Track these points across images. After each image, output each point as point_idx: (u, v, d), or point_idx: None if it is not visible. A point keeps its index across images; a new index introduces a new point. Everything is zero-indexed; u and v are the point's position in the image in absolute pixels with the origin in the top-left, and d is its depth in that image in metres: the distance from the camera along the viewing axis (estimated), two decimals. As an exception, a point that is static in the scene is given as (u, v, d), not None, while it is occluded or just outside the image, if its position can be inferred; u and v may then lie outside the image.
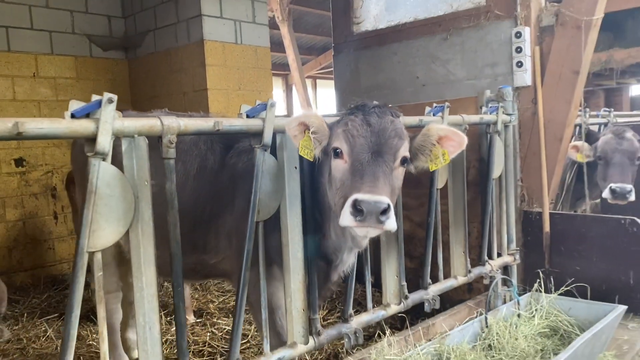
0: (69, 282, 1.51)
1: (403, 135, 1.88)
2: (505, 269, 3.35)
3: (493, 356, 2.56)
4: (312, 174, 2.11)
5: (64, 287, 4.53)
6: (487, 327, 2.82)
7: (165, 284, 4.13)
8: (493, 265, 3.08)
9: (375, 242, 2.55)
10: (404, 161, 1.91)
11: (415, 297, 2.55)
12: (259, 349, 3.18)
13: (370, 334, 3.13)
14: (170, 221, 1.67)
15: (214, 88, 4.49)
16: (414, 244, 4.22)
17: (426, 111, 2.76)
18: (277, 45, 15.14)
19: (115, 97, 1.50)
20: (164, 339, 3.24)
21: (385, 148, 1.80)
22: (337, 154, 1.85)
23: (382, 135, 1.81)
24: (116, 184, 1.51)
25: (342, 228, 1.94)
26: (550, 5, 4.37)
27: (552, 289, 3.30)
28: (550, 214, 4.19)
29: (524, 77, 4.25)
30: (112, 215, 1.51)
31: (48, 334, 3.52)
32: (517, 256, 3.39)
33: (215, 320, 3.65)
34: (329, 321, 3.57)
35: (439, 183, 2.73)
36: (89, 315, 3.87)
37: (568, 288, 3.36)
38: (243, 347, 3.24)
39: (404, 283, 2.48)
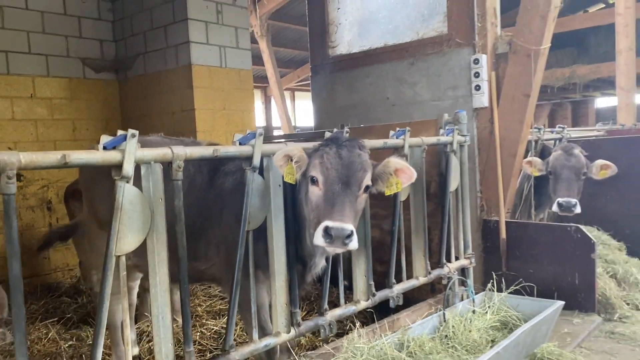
0: (101, 279, 1.84)
1: (367, 167, 2.32)
2: (463, 270, 3.79)
3: (448, 344, 2.98)
4: (292, 191, 2.52)
5: (59, 294, 4.82)
6: (444, 321, 3.25)
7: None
8: (451, 267, 3.52)
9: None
10: (367, 188, 2.35)
11: (381, 294, 2.97)
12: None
13: (344, 328, 3.53)
14: (178, 231, 2.06)
15: (200, 108, 4.88)
16: (384, 250, 4.61)
17: (390, 134, 3.19)
18: (256, 58, 15.56)
19: (137, 132, 1.88)
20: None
21: (353, 180, 2.24)
22: (314, 181, 2.27)
23: (351, 168, 2.25)
24: (137, 201, 1.90)
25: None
26: (505, 34, 4.85)
27: (504, 289, 3.74)
28: (506, 222, 4.66)
29: (482, 100, 4.72)
30: (134, 226, 1.89)
31: (50, 335, 3.82)
32: (473, 259, 3.82)
33: (203, 321, 4.01)
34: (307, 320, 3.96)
35: (402, 196, 3.16)
36: (86, 320, 4.20)
37: (517, 287, 3.80)
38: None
39: (372, 282, 2.90)
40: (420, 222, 3.32)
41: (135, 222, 1.89)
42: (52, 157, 1.69)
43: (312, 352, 2.62)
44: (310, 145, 2.42)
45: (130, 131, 1.87)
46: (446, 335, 3.12)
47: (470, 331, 3.19)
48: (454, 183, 3.59)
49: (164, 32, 5.05)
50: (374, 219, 3.90)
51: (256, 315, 2.36)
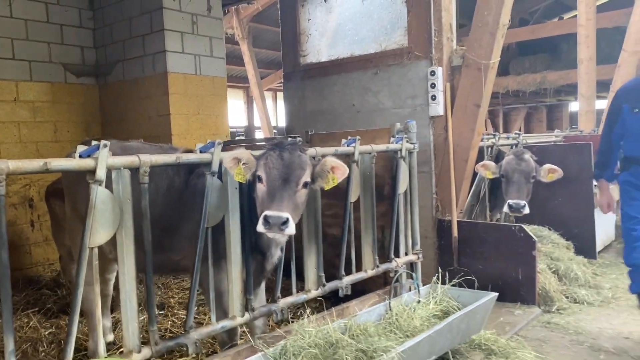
0: (77, 267, 2.17)
1: (306, 166, 2.68)
2: (412, 265, 4.17)
3: (390, 330, 3.35)
4: (249, 192, 2.87)
5: (40, 286, 5.11)
6: (390, 310, 3.62)
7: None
8: (399, 262, 3.89)
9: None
10: (305, 185, 2.70)
11: (331, 285, 3.33)
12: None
13: (298, 315, 3.88)
14: (144, 227, 2.39)
15: (175, 113, 5.20)
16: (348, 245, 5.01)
17: (342, 142, 3.55)
18: (239, 59, 15.88)
19: (108, 143, 2.21)
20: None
21: (292, 177, 2.60)
22: (260, 179, 2.63)
23: (290, 167, 2.61)
24: (108, 201, 2.23)
25: None
26: (460, 48, 5.24)
27: (447, 282, 4.12)
28: (458, 221, 5.05)
29: (437, 109, 5.11)
30: (105, 222, 2.23)
31: (31, 324, 4.12)
32: (421, 255, 4.19)
33: (175, 311, 4.34)
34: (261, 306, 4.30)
35: (352, 197, 3.53)
36: (65, 310, 4.50)
37: (460, 281, 4.17)
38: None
39: (322, 274, 3.26)
40: (369, 221, 3.69)
41: (107, 219, 2.22)
42: (35, 164, 2.02)
43: (266, 334, 2.97)
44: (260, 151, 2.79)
45: (103, 142, 2.20)
46: (390, 323, 3.49)
47: (413, 319, 3.55)
48: (402, 186, 3.96)
49: (142, 41, 5.37)
50: (335, 218, 4.27)
51: (214, 301, 2.71)
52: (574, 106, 23.39)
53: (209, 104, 5.54)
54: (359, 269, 3.65)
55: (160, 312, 4.39)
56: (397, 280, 3.87)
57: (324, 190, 3.07)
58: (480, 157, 5.76)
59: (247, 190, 2.84)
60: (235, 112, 20.89)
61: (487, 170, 5.47)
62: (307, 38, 6.28)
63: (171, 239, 3.05)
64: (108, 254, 3.09)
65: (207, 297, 2.88)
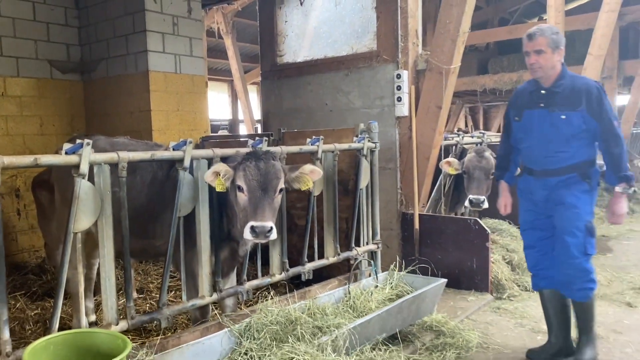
0: (62, 250, 2.49)
1: (280, 174, 3.05)
2: (373, 254, 4.54)
3: (346, 311, 3.72)
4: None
5: (25, 272, 5.40)
6: (349, 293, 3.98)
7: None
8: (359, 250, 4.26)
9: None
10: (281, 191, 3.07)
11: (294, 270, 3.69)
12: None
13: (264, 298, 4.23)
14: (122, 215, 2.72)
15: (156, 109, 5.50)
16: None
17: (308, 141, 3.89)
18: (224, 53, 16.09)
19: (91, 142, 2.53)
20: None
21: (270, 186, 2.96)
22: (240, 189, 2.98)
23: (267, 177, 2.96)
24: (90, 192, 2.55)
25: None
26: (425, 53, 5.60)
27: (400, 270, 4.48)
28: (420, 215, 5.43)
29: (402, 109, 5.46)
30: (87, 210, 2.55)
31: (18, 305, 4.42)
32: (380, 245, 4.56)
33: (153, 295, 4.66)
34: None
35: (316, 192, 3.88)
36: (50, 293, 4.81)
37: (414, 268, 4.53)
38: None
39: (286, 260, 3.62)
40: (331, 213, 4.05)
41: (89, 208, 2.55)
42: (27, 159, 2.34)
43: (234, 313, 3.32)
44: (232, 152, 3.12)
45: (86, 140, 2.52)
46: (348, 305, 3.85)
47: (369, 302, 3.92)
48: (364, 181, 4.31)
49: (125, 41, 5.65)
50: (304, 210, 4.61)
51: (185, 282, 3.05)
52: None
53: (188, 100, 5.84)
54: (321, 256, 4.00)
55: (140, 296, 4.71)
56: (357, 268, 4.23)
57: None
58: (446, 155, 6.14)
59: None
60: (220, 105, 21.09)
61: (451, 166, 5.81)
62: (284, 39, 6.59)
63: (154, 226, 3.36)
64: (97, 239, 3.41)
65: (181, 279, 3.21)
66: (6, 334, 2.32)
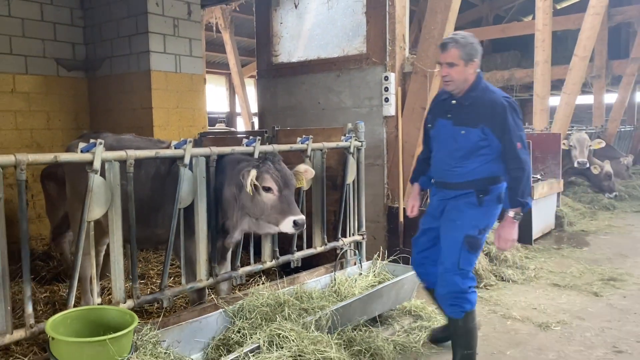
0: (77, 236, 2.82)
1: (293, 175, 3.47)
2: (358, 244, 4.89)
3: (331, 295, 4.07)
4: (216, 181, 3.54)
5: (33, 258, 5.71)
6: (334, 280, 4.34)
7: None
8: (345, 241, 4.61)
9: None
10: None
11: (284, 258, 4.05)
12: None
13: (257, 283, 4.59)
14: (130, 207, 3.06)
15: (157, 107, 5.83)
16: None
17: (298, 140, 4.23)
18: (222, 46, 16.37)
19: (103, 141, 2.86)
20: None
21: (291, 185, 3.44)
22: (268, 189, 3.37)
23: (288, 177, 3.42)
24: (102, 186, 2.89)
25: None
26: (411, 56, 5.93)
27: (386, 259, 4.84)
28: (404, 208, 5.77)
29: (390, 110, 5.80)
30: (100, 202, 2.89)
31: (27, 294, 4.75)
32: (365, 236, 4.91)
33: (154, 280, 5.01)
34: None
35: (305, 187, 4.21)
36: (57, 278, 5.15)
37: (395, 257, 4.88)
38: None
39: (276, 249, 3.97)
40: (319, 206, 4.39)
41: (100, 199, 2.89)
42: (48, 157, 2.68)
43: (228, 296, 3.67)
44: (228, 150, 3.47)
45: (99, 140, 2.86)
46: (333, 290, 4.22)
47: (353, 288, 4.29)
48: (350, 177, 4.65)
49: (128, 41, 5.97)
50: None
51: (185, 267, 3.41)
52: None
53: (187, 98, 6.17)
54: (309, 246, 4.36)
55: (142, 281, 5.06)
56: (343, 257, 4.59)
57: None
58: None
59: (211, 181, 3.52)
60: (218, 98, 21.37)
61: (435, 164, 6.15)
62: (279, 40, 6.91)
63: (156, 217, 3.70)
64: (105, 228, 3.75)
65: (180, 265, 3.56)
66: (30, 309, 2.67)
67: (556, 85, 13.14)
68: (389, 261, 4.73)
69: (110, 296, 4.65)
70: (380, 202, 5.94)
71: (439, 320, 4.25)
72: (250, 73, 19.03)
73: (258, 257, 4.02)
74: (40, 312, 4.29)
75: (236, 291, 3.85)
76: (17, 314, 3.77)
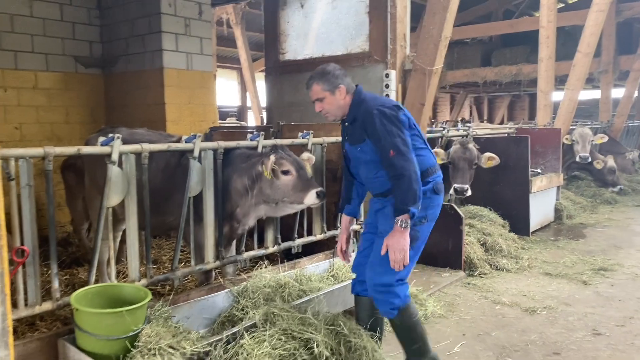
0: (97, 220, 3.16)
1: None
2: (356, 233, 5.17)
3: (328, 279, 4.38)
4: (222, 173, 3.85)
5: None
6: (333, 266, 4.64)
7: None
8: (344, 230, 4.90)
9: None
10: None
11: (285, 244, 4.35)
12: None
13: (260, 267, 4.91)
14: (145, 195, 3.39)
15: (169, 102, 6.17)
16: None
17: (299, 134, 4.53)
18: (234, 41, 16.69)
19: (121, 136, 3.18)
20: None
21: (303, 166, 3.77)
22: (287, 172, 3.69)
23: (300, 160, 3.77)
24: (119, 176, 3.22)
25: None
26: (411, 54, 6.18)
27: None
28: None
29: (390, 105, 6.06)
30: (117, 190, 3.21)
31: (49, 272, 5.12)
32: (364, 226, 5.18)
33: (166, 265, 5.35)
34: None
35: (309, 173, 4.51)
36: (76, 262, 5.52)
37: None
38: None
39: (278, 235, 4.28)
40: (319, 197, 4.69)
41: (118, 188, 3.22)
42: (72, 149, 3.02)
43: (233, 278, 3.99)
44: (234, 145, 3.79)
45: (117, 135, 3.18)
46: (331, 275, 4.52)
47: (350, 273, 4.59)
48: (350, 170, 4.94)
49: (142, 40, 6.30)
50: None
51: (194, 250, 3.73)
52: (555, 96, 24.24)
53: (198, 94, 6.50)
54: (310, 233, 4.66)
55: (154, 266, 5.41)
56: (340, 244, 4.88)
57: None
58: (431, 147, 6.72)
59: (218, 172, 3.83)
60: (230, 92, 21.72)
61: (437, 156, 6.37)
62: (286, 38, 7.18)
63: (166, 205, 4.02)
64: (119, 215, 4.09)
65: (190, 249, 3.89)
66: (56, 284, 3.02)
67: (564, 81, 13.25)
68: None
69: (125, 279, 5.01)
70: (381, 194, 6.21)
71: (427, 305, 4.53)
72: (261, 67, 19.29)
73: (261, 243, 4.33)
74: (62, 292, 4.63)
75: (240, 274, 4.16)
76: (43, 291, 4.12)
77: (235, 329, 3.08)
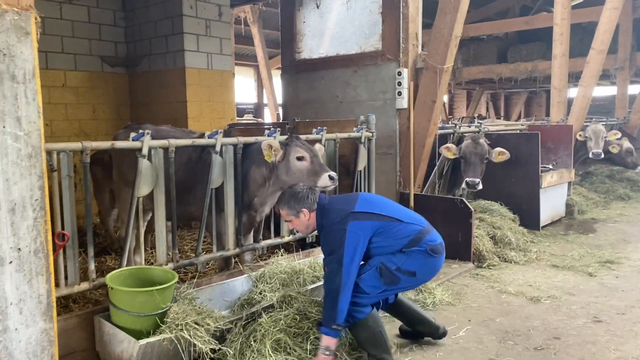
0: (129, 209, 3.45)
1: None
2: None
3: (341, 267, 4.62)
4: (242, 166, 4.12)
5: (82, 234, 6.45)
6: (346, 255, 4.88)
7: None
8: (356, 221, 5.15)
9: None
10: None
11: (299, 234, 4.62)
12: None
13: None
14: (171, 187, 3.67)
15: (191, 100, 6.48)
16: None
17: (314, 131, 4.78)
18: (251, 39, 16.98)
19: (150, 132, 3.46)
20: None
21: (317, 153, 3.99)
22: (301, 158, 3.92)
23: (313, 147, 3.98)
24: (148, 168, 3.50)
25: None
26: (423, 53, 6.40)
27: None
28: (415, 194, 6.27)
29: (402, 103, 6.28)
30: (147, 181, 3.50)
31: (80, 258, 5.45)
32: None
33: (188, 254, 5.65)
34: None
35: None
36: (104, 251, 5.84)
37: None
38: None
39: (294, 226, 4.55)
40: (332, 190, 4.93)
41: (148, 180, 3.50)
42: (106, 144, 3.31)
43: (251, 264, 4.27)
44: (253, 140, 4.05)
45: (147, 131, 3.46)
46: (344, 264, 4.77)
47: (362, 262, 4.84)
48: (361, 165, 5.17)
49: (165, 41, 6.61)
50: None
51: (216, 239, 4.01)
52: (571, 92, 24.13)
53: (217, 93, 6.80)
54: (323, 224, 4.92)
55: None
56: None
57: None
58: (442, 143, 6.93)
59: (239, 166, 4.10)
60: (247, 89, 22.02)
61: (450, 151, 6.61)
62: (302, 38, 7.44)
63: (189, 196, 4.31)
64: (145, 206, 4.39)
65: (211, 237, 4.17)
66: (92, 266, 3.32)
67: (579, 77, 13.27)
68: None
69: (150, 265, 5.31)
70: (393, 188, 6.45)
71: (435, 293, 4.75)
72: (278, 65, 19.44)
73: (278, 233, 4.60)
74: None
75: (258, 260, 4.43)
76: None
77: (254, 309, 3.35)
